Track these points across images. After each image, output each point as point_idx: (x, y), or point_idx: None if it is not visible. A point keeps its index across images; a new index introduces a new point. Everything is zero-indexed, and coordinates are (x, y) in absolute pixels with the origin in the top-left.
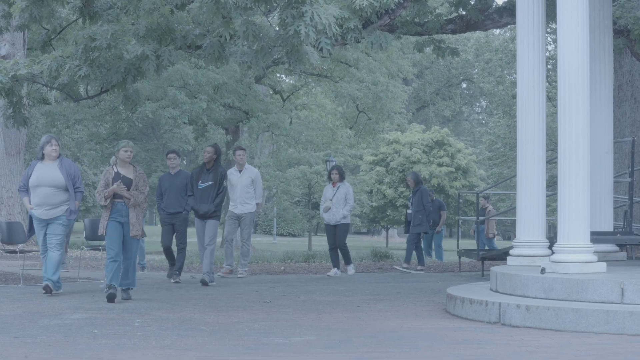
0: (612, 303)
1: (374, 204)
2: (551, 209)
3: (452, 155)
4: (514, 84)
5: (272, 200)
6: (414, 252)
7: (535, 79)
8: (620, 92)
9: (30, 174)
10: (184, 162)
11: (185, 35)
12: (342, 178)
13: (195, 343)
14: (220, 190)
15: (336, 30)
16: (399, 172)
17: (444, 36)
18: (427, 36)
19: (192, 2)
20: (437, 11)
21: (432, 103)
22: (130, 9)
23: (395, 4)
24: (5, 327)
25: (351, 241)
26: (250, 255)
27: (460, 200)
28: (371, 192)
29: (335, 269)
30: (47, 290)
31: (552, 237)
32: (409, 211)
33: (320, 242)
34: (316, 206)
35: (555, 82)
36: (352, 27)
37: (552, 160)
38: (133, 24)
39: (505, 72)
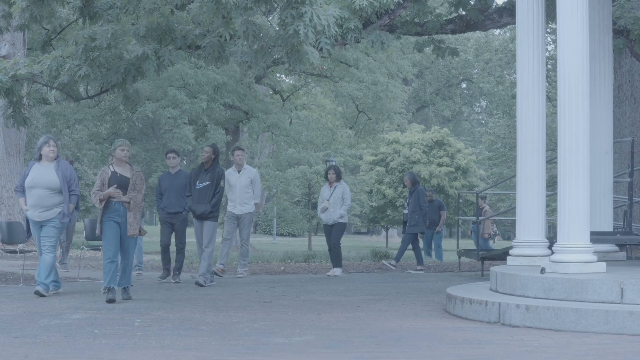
0: (612, 303)
1: (374, 204)
2: (551, 209)
3: (452, 155)
4: (513, 84)
5: (272, 200)
6: (413, 253)
7: (535, 79)
8: (620, 92)
9: (27, 174)
10: (184, 162)
11: (186, 35)
12: (339, 178)
13: (195, 343)
14: (217, 191)
15: (335, 31)
16: (398, 172)
17: (444, 36)
18: (427, 36)
19: (192, 2)
20: (437, 11)
21: (432, 103)
22: (130, 8)
23: (395, 4)
24: (5, 327)
25: (351, 241)
26: (250, 256)
27: (460, 200)
28: (371, 192)
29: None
30: (40, 295)
31: (552, 237)
32: (406, 211)
33: (320, 242)
34: (316, 206)
35: (555, 82)
36: (352, 27)
37: (552, 160)
38: (133, 24)
39: (505, 72)
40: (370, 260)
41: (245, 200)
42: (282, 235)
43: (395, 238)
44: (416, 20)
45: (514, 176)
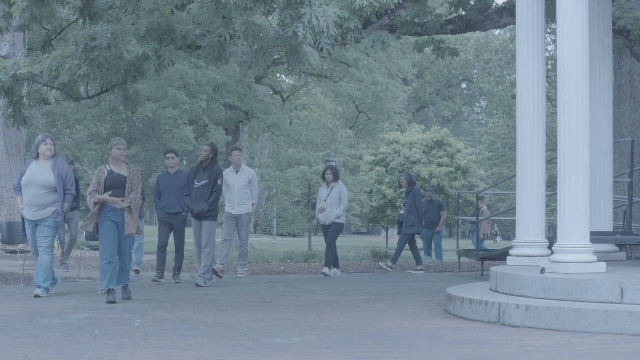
0: (612, 303)
1: (374, 204)
2: (551, 209)
3: (452, 155)
4: (513, 84)
5: (272, 200)
6: (411, 253)
7: (534, 79)
8: (620, 92)
9: (24, 173)
10: (184, 162)
11: (186, 35)
12: (336, 178)
13: (195, 343)
14: (214, 189)
15: (334, 32)
16: (398, 172)
17: (444, 36)
18: (426, 36)
19: (192, 2)
20: (437, 11)
21: (432, 103)
22: (130, 9)
23: (395, 4)
24: (5, 327)
25: (351, 241)
26: (250, 256)
27: (460, 200)
28: (371, 192)
29: (335, 268)
30: (38, 296)
31: (551, 237)
32: (402, 212)
33: (320, 242)
34: (315, 206)
35: (555, 82)
36: (352, 27)
37: (551, 160)
38: (133, 24)
39: (504, 72)
40: (370, 260)
41: (244, 201)
42: (282, 235)
43: (395, 238)
44: (416, 20)
45: (514, 176)
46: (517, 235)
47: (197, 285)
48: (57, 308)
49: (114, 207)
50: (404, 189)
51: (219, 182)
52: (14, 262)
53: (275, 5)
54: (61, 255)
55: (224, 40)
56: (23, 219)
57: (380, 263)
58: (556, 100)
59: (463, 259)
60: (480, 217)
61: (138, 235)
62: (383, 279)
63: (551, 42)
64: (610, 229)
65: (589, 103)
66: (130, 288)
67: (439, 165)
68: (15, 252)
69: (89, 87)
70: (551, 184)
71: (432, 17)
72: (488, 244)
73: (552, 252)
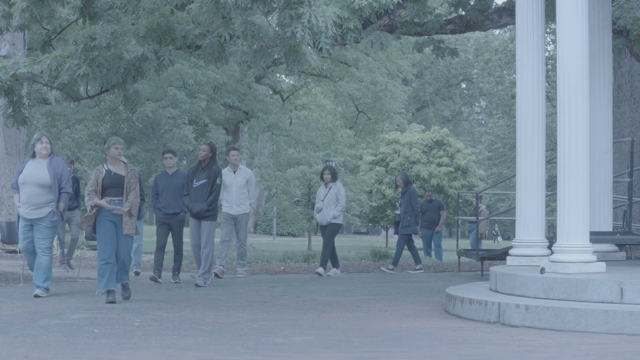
0: (612, 303)
1: (374, 204)
2: (551, 209)
3: (452, 155)
4: (513, 84)
5: (272, 200)
6: (410, 253)
7: (534, 79)
8: (620, 92)
9: (21, 172)
10: (184, 162)
11: (185, 36)
12: (334, 178)
13: (195, 343)
14: (213, 189)
15: (333, 32)
16: (398, 172)
17: (444, 36)
18: (426, 36)
19: (192, 2)
20: (437, 11)
21: (432, 103)
22: (130, 9)
23: (395, 5)
24: (5, 327)
25: (351, 241)
26: (249, 255)
27: (460, 200)
28: (371, 192)
29: (335, 268)
30: (38, 296)
31: (551, 237)
32: (398, 212)
33: (320, 242)
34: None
35: (555, 82)
36: (352, 27)
37: (551, 160)
38: (133, 24)
39: (504, 72)
40: (370, 260)
41: (242, 201)
42: (282, 235)
43: (394, 238)
44: (416, 20)
45: (514, 176)
46: (517, 235)
47: (197, 285)
48: (57, 308)
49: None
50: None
51: (217, 181)
52: (14, 262)
53: (274, 5)
54: (60, 256)
55: (224, 40)
56: (19, 216)
57: (381, 268)
58: (556, 100)
59: (463, 259)
60: (480, 217)
61: (136, 235)
62: (383, 279)
63: (551, 42)
64: (610, 229)
65: (588, 103)
66: (130, 288)
67: (439, 165)
68: (15, 252)
69: (89, 87)
70: (551, 184)
71: (432, 17)
72: (487, 244)
73: (552, 252)
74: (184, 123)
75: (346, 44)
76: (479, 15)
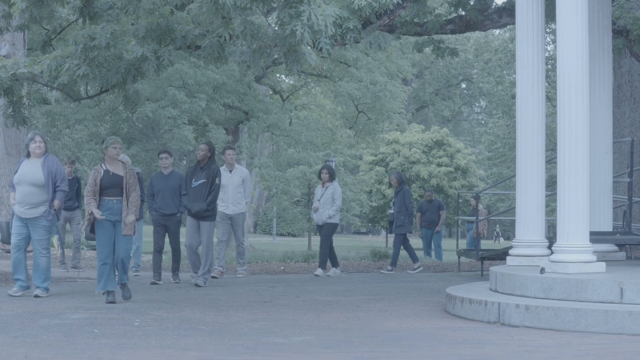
0: (612, 303)
1: (374, 204)
2: (551, 209)
3: (452, 155)
4: (513, 84)
5: (272, 200)
6: (407, 252)
7: (534, 79)
8: (620, 92)
9: (17, 171)
10: (184, 162)
11: (185, 36)
12: (332, 178)
13: (195, 343)
14: (212, 188)
15: (333, 31)
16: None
17: (444, 36)
18: (426, 36)
19: (192, 2)
20: (437, 11)
21: (432, 103)
22: (130, 9)
23: (394, 5)
24: (5, 327)
25: (351, 241)
26: (248, 254)
27: (460, 200)
28: (371, 192)
29: (334, 268)
30: (38, 296)
31: (551, 237)
32: (391, 211)
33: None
34: None
35: (555, 82)
36: (352, 27)
37: (551, 160)
38: (133, 24)
39: (504, 72)
40: (370, 260)
41: (238, 200)
42: (281, 235)
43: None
44: (416, 20)
45: (514, 176)
46: (517, 235)
47: (196, 285)
48: (57, 308)
49: (110, 207)
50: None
51: (217, 181)
52: None
53: (274, 5)
54: (61, 256)
55: (224, 40)
56: (13, 214)
57: (381, 271)
58: (556, 100)
59: (463, 258)
60: (480, 217)
61: (136, 236)
62: (383, 279)
63: (551, 42)
64: (610, 229)
65: (588, 103)
66: (130, 288)
67: (439, 165)
68: None
69: (89, 87)
70: (551, 184)
71: (432, 17)
72: (487, 244)
73: (552, 252)
74: (184, 123)
75: (346, 44)
76: (479, 15)
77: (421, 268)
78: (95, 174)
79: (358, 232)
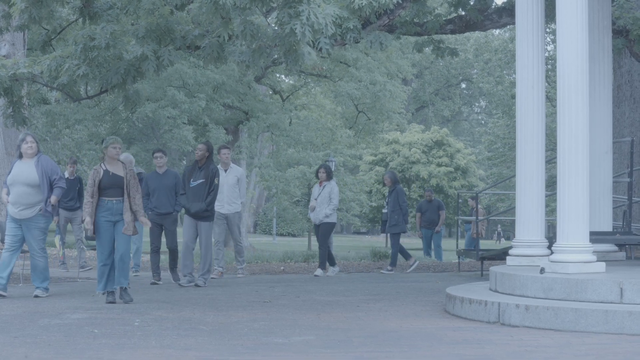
0: (611, 303)
1: (374, 204)
2: (550, 209)
3: (452, 155)
4: (513, 84)
5: (272, 200)
6: (390, 252)
7: (534, 79)
8: (620, 92)
9: (10, 172)
10: (184, 162)
11: (185, 36)
12: (329, 177)
13: (195, 343)
14: (211, 189)
15: (333, 30)
16: (398, 172)
17: (444, 36)
18: (426, 36)
19: (192, 2)
20: (437, 11)
21: (432, 103)
22: (130, 9)
23: (394, 5)
24: (5, 327)
25: (351, 241)
26: (247, 254)
27: (460, 200)
28: (370, 192)
29: (332, 267)
30: (38, 297)
31: (551, 237)
32: (385, 210)
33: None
34: None
35: (555, 82)
36: (351, 27)
37: (551, 160)
38: (133, 25)
39: (504, 72)
40: (370, 260)
41: (233, 200)
42: (281, 235)
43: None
44: (416, 20)
45: (514, 176)
46: (517, 235)
47: (196, 285)
48: (57, 308)
49: (110, 207)
50: (405, 189)
51: (215, 181)
52: None
53: (273, 5)
54: (63, 256)
55: (223, 40)
56: (7, 214)
57: (381, 271)
58: (556, 100)
59: (463, 258)
60: (480, 217)
61: (136, 236)
62: (383, 279)
63: (551, 42)
64: (610, 229)
65: (588, 103)
66: (130, 289)
67: (439, 165)
68: None
69: (89, 88)
70: (551, 184)
71: (432, 17)
72: (486, 244)
73: (552, 252)
74: (184, 123)
75: (346, 44)
76: (479, 15)
77: (417, 263)
78: (94, 175)
79: (358, 232)
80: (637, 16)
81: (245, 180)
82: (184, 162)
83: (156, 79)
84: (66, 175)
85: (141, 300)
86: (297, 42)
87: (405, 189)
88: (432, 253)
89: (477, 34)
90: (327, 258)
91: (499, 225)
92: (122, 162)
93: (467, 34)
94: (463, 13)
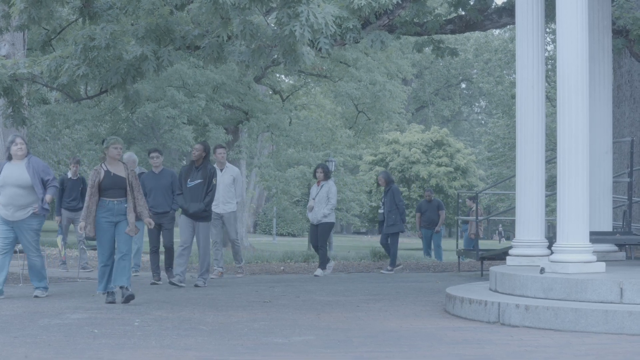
0: (611, 303)
1: (373, 204)
2: (550, 209)
3: (451, 155)
4: (513, 84)
5: (272, 200)
6: (386, 252)
7: (534, 79)
8: (619, 92)
9: None
10: (184, 162)
11: (185, 36)
12: (327, 177)
13: (195, 343)
14: (209, 189)
15: (332, 30)
16: (398, 172)
17: (443, 36)
18: (426, 36)
19: (192, 2)
20: (437, 11)
21: (432, 103)
22: (130, 9)
23: (394, 5)
24: (5, 327)
25: (351, 241)
26: (243, 253)
27: (460, 200)
28: (370, 192)
29: (328, 263)
30: (38, 297)
31: (551, 237)
32: (381, 211)
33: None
34: None
35: (555, 82)
36: (351, 27)
37: (551, 160)
38: (132, 25)
39: (504, 72)
40: (370, 260)
41: (228, 199)
42: (281, 235)
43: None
44: (416, 20)
45: (514, 176)
46: (517, 235)
47: (196, 285)
48: (57, 308)
49: (111, 208)
50: (405, 189)
51: (214, 181)
52: (13, 262)
53: (273, 5)
54: (64, 256)
55: (222, 40)
56: None
57: (381, 271)
58: (556, 100)
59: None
60: (480, 217)
61: (136, 237)
62: (383, 279)
63: (551, 42)
64: (610, 229)
65: (588, 103)
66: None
67: (439, 165)
68: (15, 252)
69: (89, 88)
70: (551, 184)
71: (432, 17)
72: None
73: (552, 252)
74: (183, 123)
75: (345, 43)
76: (479, 15)
77: (400, 267)
78: (95, 175)
79: (358, 232)
80: (637, 16)
81: (241, 179)
82: (184, 162)
83: (156, 79)
84: (69, 175)
85: (141, 300)
86: (295, 43)
87: (405, 189)
88: (432, 253)
89: (477, 34)
90: (326, 258)
91: (500, 225)
92: (124, 163)
93: (467, 34)
94: (463, 13)
